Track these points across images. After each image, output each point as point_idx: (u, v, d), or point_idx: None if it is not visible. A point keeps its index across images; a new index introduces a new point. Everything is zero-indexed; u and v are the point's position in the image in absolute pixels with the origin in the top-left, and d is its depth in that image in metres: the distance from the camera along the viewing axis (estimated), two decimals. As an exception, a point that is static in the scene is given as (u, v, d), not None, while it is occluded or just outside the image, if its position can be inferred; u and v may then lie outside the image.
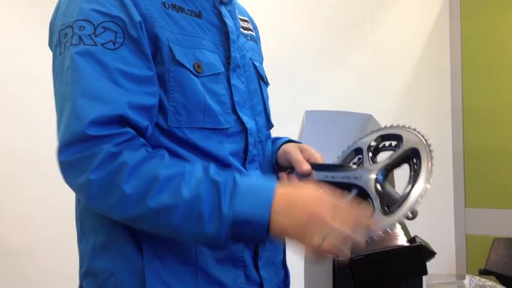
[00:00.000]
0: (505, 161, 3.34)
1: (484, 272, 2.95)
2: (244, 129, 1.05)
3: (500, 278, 2.77)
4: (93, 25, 0.91)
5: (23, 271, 2.37)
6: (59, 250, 2.36)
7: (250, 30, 1.21)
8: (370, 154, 1.11)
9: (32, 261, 2.38)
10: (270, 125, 1.18)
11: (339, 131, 1.57)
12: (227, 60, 1.06)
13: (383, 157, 1.09)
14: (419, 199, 0.96)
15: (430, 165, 1.00)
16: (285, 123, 1.47)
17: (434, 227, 3.26)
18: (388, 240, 1.22)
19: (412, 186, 0.99)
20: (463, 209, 3.51)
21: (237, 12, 1.16)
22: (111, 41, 0.91)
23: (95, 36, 0.90)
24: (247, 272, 1.02)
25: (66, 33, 0.92)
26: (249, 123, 1.06)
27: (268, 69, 1.24)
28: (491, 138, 3.42)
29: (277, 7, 3.01)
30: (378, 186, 1.01)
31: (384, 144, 1.10)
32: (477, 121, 3.49)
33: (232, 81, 1.05)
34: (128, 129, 0.89)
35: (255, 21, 1.28)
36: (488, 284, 2.19)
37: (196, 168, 0.90)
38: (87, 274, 1.01)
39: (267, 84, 1.20)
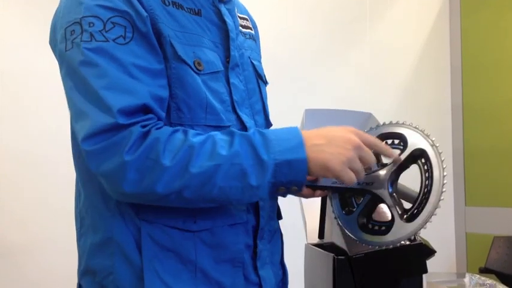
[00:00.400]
0: (505, 159, 3.34)
1: (484, 271, 2.94)
2: (244, 128, 1.05)
3: (500, 276, 2.76)
4: (102, 21, 0.92)
5: (23, 271, 2.37)
6: (58, 250, 2.36)
7: (249, 28, 1.20)
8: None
9: (32, 261, 2.38)
10: (268, 124, 1.18)
11: (339, 130, 1.57)
12: (226, 59, 1.06)
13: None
14: (438, 204, 0.98)
15: (442, 171, 1.01)
16: (285, 122, 1.46)
17: (434, 226, 3.24)
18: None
19: (428, 193, 0.99)
20: (463, 208, 3.51)
21: (236, 11, 1.16)
22: (122, 35, 0.92)
23: (106, 32, 0.91)
24: (246, 272, 1.02)
25: (73, 30, 0.92)
26: (249, 122, 1.06)
27: (268, 66, 1.24)
28: (491, 137, 3.42)
29: (276, 4, 3.01)
30: (392, 190, 1.01)
31: (386, 142, 1.10)
32: (477, 119, 3.49)
33: (231, 80, 1.05)
34: (151, 115, 0.91)
35: (254, 17, 1.28)
36: (489, 282, 2.19)
37: (218, 132, 0.94)
38: (85, 272, 1.01)
39: (265, 83, 1.20)
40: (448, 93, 3.59)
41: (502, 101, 3.37)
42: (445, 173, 1.00)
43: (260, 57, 1.23)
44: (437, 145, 1.02)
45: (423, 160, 1.03)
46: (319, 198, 1.39)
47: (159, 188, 0.88)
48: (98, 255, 0.98)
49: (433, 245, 1.27)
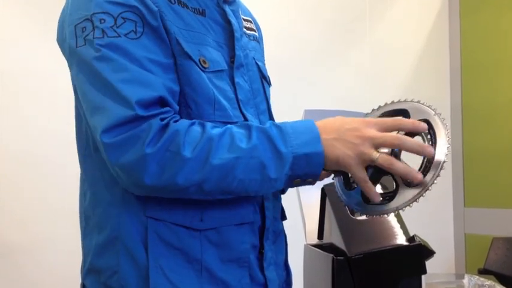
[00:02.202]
0: (505, 160, 3.34)
1: (483, 272, 2.95)
2: None
3: (499, 277, 2.77)
4: (113, 17, 0.92)
5: (23, 270, 2.37)
6: (58, 250, 2.36)
7: (253, 30, 1.21)
8: None
9: (32, 261, 2.39)
10: None
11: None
12: (231, 58, 1.06)
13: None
14: (443, 166, 0.97)
15: (447, 131, 1.00)
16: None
17: (433, 226, 3.26)
18: (387, 239, 1.22)
19: (432, 157, 0.98)
20: (462, 209, 3.52)
21: (240, 12, 1.16)
22: (133, 30, 0.93)
23: (117, 27, 0.92)
24: (252, 272, 1.03)
25: (85, 27, 0.93)
26: (254, 121, 1.06)
27: (268, 66, 1.24)
28: (491, 138, 3.42)
29: (277, 4, 3.02)
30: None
31: None
32: (476, 120, 3.49)
33: (236, 80, 1.05)
34: (168, 107, 0.92)
35: (255, 17, 1.28)
36: (487, 283, 2.19)
37: (233, 125, 0.94)
38: (90, 271, 1.01)
39: (269, 84, 1.21)
40: (448, 93, 3.60)
41: (502, 101, 3.37)
42: (448, 137, 1.00)
43: (264, 58, 1.24)
44: (439, 113, 1.03)
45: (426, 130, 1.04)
46: (319, 199, 1.39)
47: (180, 180, 0.88)
48: (103, 254, 0.98)
49: (432, 245, 1.27)
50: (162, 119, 0.89)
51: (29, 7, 2.45)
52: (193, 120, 0.93)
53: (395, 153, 1.00)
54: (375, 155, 0.92)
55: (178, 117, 0.93)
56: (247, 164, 0.90)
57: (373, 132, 0.93)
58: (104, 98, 0.90)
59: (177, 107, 0.95)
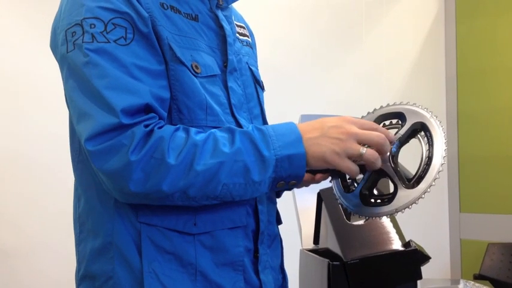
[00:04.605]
0: (500, 166, 3.36)
1: (479, 277, 2.96)
2: None
3: (494, 283, 2.77)
4: (104, 22, 0.92)
5: (16, 275, 2.36)
6: (53, 254, 2.35)
7: (246, 36, 1.21)
8: None
9: (26, 265, 2.37)
10: None
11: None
12: (224, 63, 1.06)
13: None
14: (441, 168, 0.98)
15: (443, 133, 1.02)
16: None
17: (429, 232, 3.26)
18: (383, 244, 1.22)
19: (430, 159, 1.00)
20: (457, 214, 3.52)
21: (233, 18, 1.17)
22: (123, 37, 0.93)
23: (107, 33, 0.92)
24: (247, 276, 1.02)
25: (75, 31, 0.93)
26: (247, 126, 1.06)
27: (266, 71, 1.24)
28: (486, 143, 3.43)
29: (276, 10, 3.03)
30: (393, 164, 1.00)
31: (384, 124, 1.10)
32: (472, 126, 3.50)
33: (229, 84, 1.06)
34: (153, 113, 0.92)
35: (253, 23, 1.29)
36: (483, 289, 2.19)
37: (217, 130, 0.95)
38: (84, 277, 1.01)
39: (263, 89, 1.21)
40: (443, 99, 3.61)
41: (497, 107, 3.39)
42: (445, 140, 1.01)
43: (257, 64, 1.24)
44: (436, 116, 1.03)
45: (423, 133, 1.04)
46: (315, 203, 1.40)
47: (165, 187, 0.88)
48: (98, 260, 0.98)
49: (428, 251, 1.27)
50: (146, 126, 0.89)
51: (29, 10, 2.44)
52: (177, 126, 0.93)
53: (393, 154, 1.01)
54: (362, 149, 0.93)
55: (162, 123, 0.93)
56: (230, 168, 0.90)
57: (356, 129, 0.94)
58: (90, 105, 0.90)
59: (165, 114, 0.94)
